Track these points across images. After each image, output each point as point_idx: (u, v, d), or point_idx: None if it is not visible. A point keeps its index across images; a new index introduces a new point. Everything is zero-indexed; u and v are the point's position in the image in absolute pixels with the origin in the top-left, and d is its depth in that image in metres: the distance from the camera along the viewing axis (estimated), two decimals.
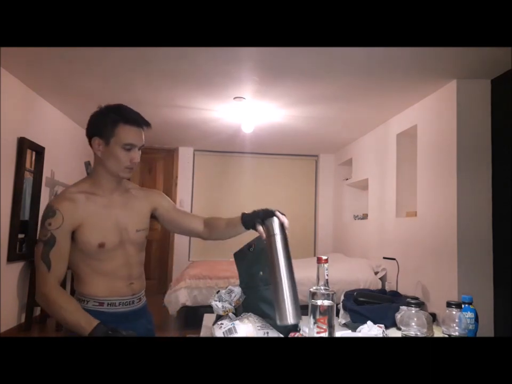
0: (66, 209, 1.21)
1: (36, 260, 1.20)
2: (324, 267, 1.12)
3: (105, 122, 1.24)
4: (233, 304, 1.29)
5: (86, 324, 1.14)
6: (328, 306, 1.09)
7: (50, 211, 1.21)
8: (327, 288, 1.11)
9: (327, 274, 1.12)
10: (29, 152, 3.97)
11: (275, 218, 1.18)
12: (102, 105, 1.30)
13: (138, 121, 1.27)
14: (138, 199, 1.39)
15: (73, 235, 1.24)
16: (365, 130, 5.11)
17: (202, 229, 1.45)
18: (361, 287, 4.17)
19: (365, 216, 5.37)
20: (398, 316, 1.47)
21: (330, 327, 1.09)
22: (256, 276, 1.33)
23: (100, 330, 1.12)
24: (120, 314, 1.30)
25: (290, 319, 1.08)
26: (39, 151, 4.14)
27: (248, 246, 1.40)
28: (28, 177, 4.00)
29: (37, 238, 1.22)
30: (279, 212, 1.21)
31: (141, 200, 1.40)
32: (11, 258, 3.65)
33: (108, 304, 1.29)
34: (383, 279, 4.50)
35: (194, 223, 1.46)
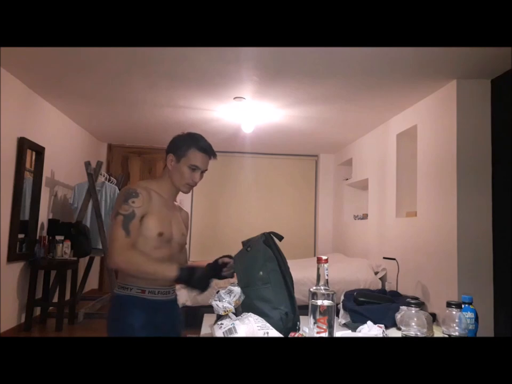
0: (144, 196, 1.42)
1: (115, 229, 1.36)
2: (324, 267, 1.13)
3: (182, 145, 1.51)
4: (233, 304, 1.29)
5: (169, 271, 1.36)
6: (328, 306, 1.09)
7: (134, 192, 1.41)
8: (327, 288, 1.11)
9: (327, 274, 1.12)
10: (29, 152, 3.96)
11: None
12: (184, 131, 1.57)
13: (207, 150, 1.51)
14: (181, 211, 1.65)
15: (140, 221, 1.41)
16: (365, 130, 5.11)
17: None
18: (361, 287, 4.17)
19: (365, 216, 5.37)
20: (398, 316, 1.47)
21: (330, 327, 1.09)
22: (255, 275, 1.34)
23: (182, 274, 1.35)
24: (159, 302, 1.47)
25: None
26: (39, 151, 4.13)
27: (246, 246, 1.40)
28: (28, 177, 4.00)
29: (117, 212, 1.38)
30: None
31: (181, 212, 1.65)
32: (11, 258, 3.65)
33: (149, 292, 1.44)
34: (383, 279, 4.50)
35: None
